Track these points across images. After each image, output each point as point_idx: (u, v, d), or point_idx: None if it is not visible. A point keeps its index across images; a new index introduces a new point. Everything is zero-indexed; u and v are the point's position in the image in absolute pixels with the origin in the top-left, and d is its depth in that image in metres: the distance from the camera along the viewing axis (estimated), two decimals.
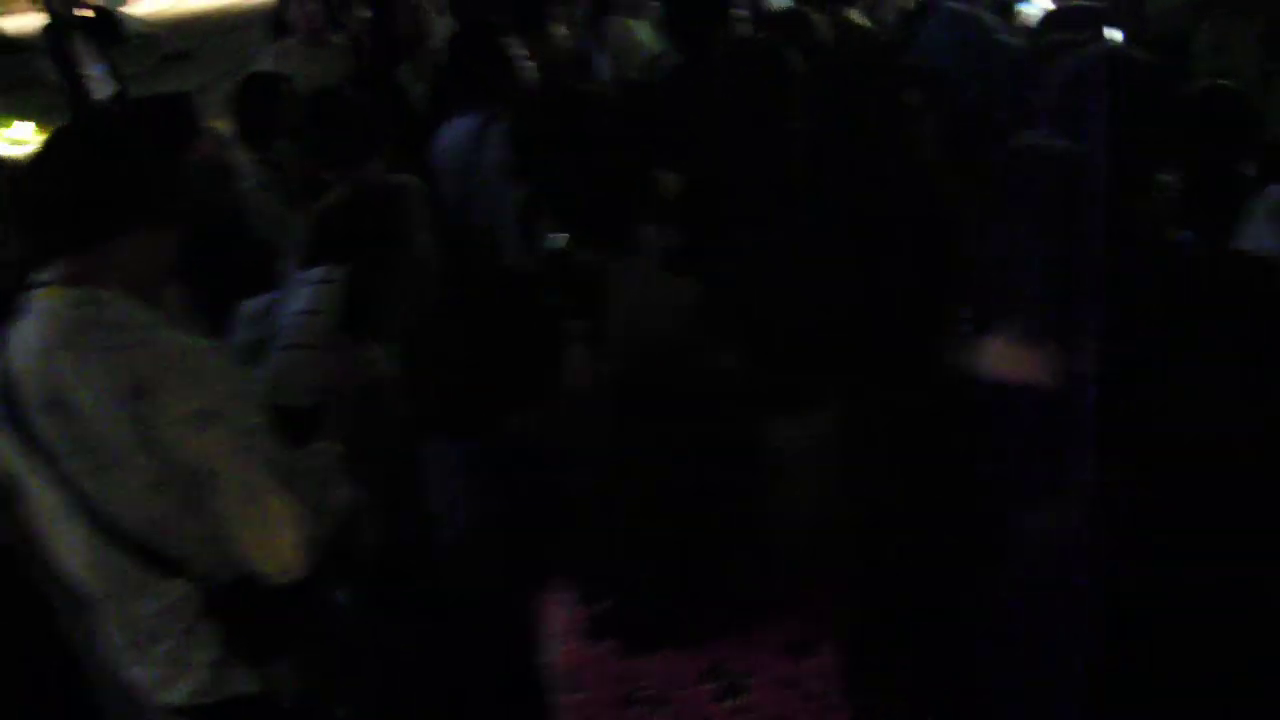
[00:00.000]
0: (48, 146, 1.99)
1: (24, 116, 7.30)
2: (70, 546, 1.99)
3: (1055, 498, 1.57)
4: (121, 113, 3.64)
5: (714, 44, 3.46)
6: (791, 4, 4.41)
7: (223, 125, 3.85)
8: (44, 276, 1.94)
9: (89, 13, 9.04)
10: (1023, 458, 1.58)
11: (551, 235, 2.88)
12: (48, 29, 8.67)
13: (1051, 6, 4.31)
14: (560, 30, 3.96)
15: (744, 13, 3.76)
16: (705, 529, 1.48)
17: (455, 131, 3.61)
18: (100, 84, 8.92)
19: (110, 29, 10.94)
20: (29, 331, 1.92)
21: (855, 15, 4.34)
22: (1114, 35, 4.93)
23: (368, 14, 4.97)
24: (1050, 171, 1.63)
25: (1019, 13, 4.76)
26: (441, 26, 4.75)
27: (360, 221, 2.54)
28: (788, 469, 1.90)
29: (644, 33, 4.56)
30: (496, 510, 1.77)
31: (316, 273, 2.39)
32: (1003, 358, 1.60)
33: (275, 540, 1.91)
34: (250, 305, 2.58)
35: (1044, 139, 1.74)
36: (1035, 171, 1.63)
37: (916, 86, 3.11)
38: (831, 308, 1.92)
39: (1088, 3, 3.88)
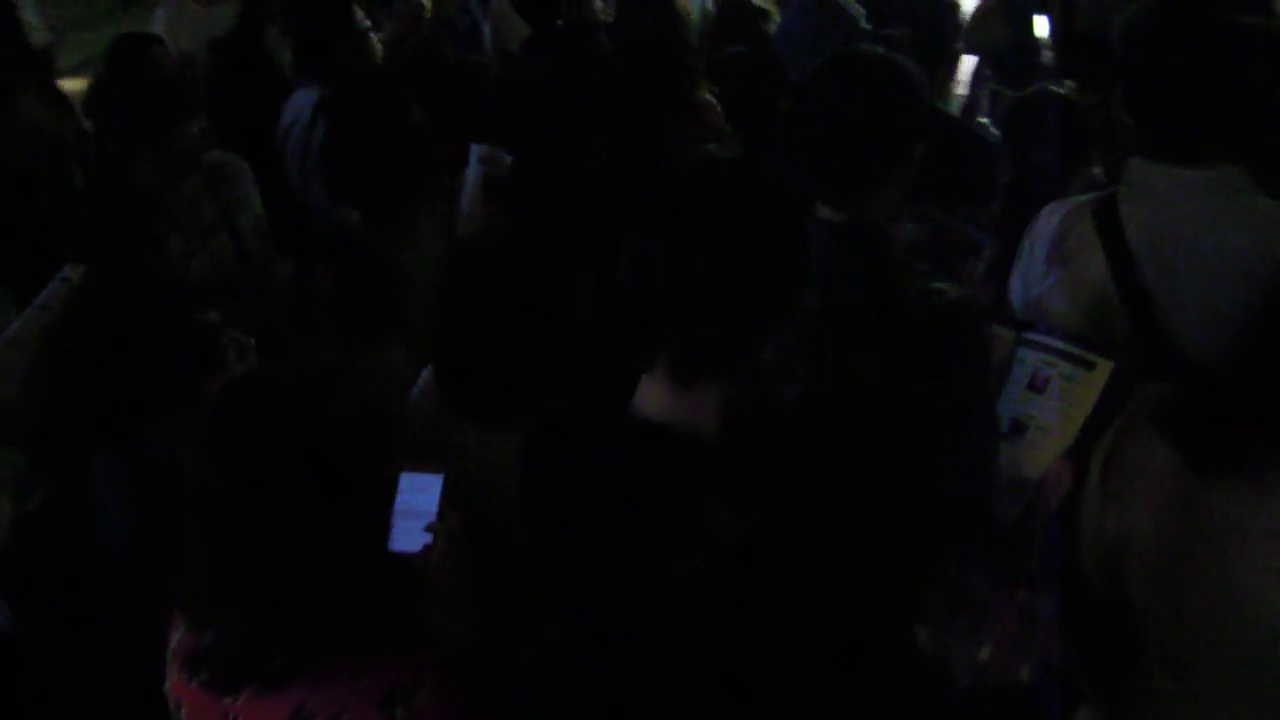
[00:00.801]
0: None
1: None
2: None
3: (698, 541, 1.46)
4: None
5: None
6: None
7: None
8: None
9: None
10: (663, 501, 1.46)
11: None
12: None
13: None
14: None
15: None
16: (282, 554, 1.37)
17: (296, 105, 3.47)
18: (37, 31, 8.72)
19: None
20: None
21: None
22: (1041, 25, 4.79)
23: None
24: (716, 191, 1.47)
25: None
26: None
27: (97, 218, 2.42)
28: (473, 481, 1.80)
29: None
30: (140, 525, 1.66)
31: (66, 269, 2.29)
32: (650, 396, 1.45)
33: None
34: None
35: (718, 152, 1.59)
36: (695, 191, 1.47)
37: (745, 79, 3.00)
38: (532, 319, 1.82)
39: None
